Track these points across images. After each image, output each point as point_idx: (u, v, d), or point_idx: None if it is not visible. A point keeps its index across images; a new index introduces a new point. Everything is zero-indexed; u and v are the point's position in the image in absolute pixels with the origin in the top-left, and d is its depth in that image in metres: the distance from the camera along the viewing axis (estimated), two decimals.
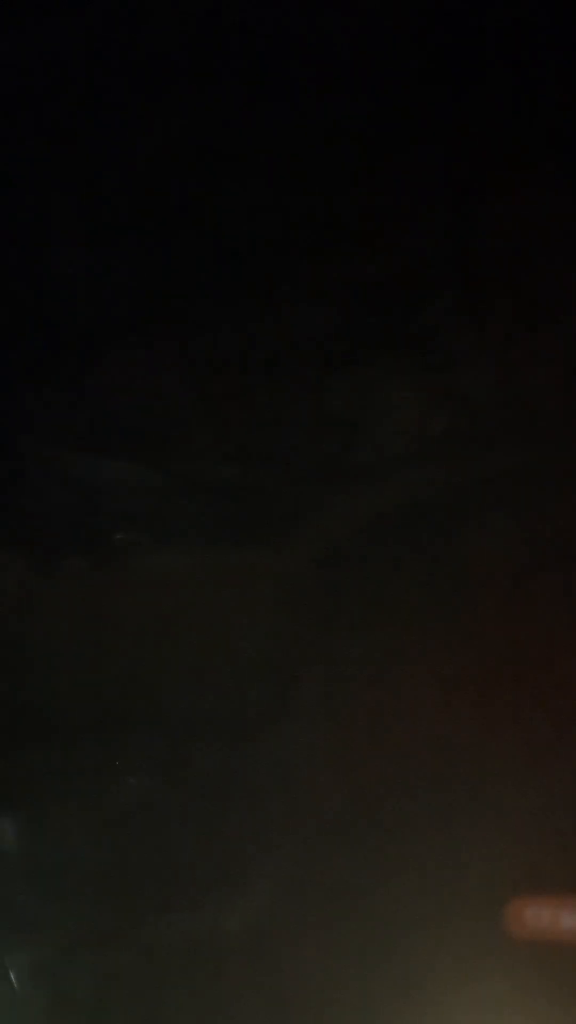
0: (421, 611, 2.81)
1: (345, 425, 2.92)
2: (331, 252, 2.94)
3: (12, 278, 2.93)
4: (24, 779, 2.81)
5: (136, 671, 2.83)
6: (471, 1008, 2.63)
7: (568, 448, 2.87)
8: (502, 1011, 2.63)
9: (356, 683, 2.78)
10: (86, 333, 2.93)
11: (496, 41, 2.91)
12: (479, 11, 2.90)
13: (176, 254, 2.94)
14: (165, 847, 2.77)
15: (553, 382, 2.91)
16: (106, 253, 2.94)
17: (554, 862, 2.67)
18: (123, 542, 2.89)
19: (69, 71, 2.91)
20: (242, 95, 2.93)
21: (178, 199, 2.95)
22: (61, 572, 2.88)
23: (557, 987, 2.62)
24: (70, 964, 2.73)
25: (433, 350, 2.94)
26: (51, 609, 2.87)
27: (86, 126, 2.93)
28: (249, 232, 2.93)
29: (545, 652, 2.75)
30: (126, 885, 2.76)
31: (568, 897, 2.65)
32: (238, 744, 2.79)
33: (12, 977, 2.72)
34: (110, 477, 2.91)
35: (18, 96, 2.92)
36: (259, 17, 2.90)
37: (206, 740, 2.79)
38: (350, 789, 2.75)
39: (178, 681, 2.82)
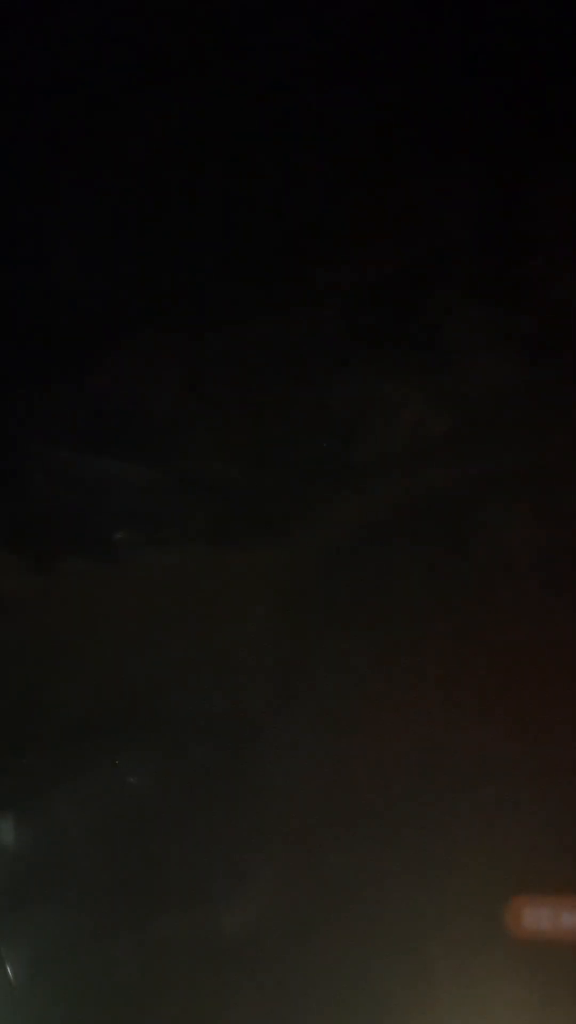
0: (422, 610, 2.81)
1: (345, 425, 2.92)
2: (331, 252, 2.94)
3: (12, 278, 2.94)
4: (24, 779, 2.80)
5: (136, 671, 2.83)
6: (471, 1008, 2.63)
7: (569, 448, 2.87)
8: (502, 1011, 2.62)
9: (357, 682, 2.78)
10: (85, 333, 2.93)
11: (494, 44, 2.91)
12: (480, 11, 2.90)
13: (176, 254, 2.94)
14: (165, 847, 2.77)
15: (554, 382, 2.91)
16: (106, 253, 2.94)
17: (554, 862, 2.67)
18: (122, 541, 2.89)
19: (69, 71, 2.91)
20: (243, 96, 2.93)
21: (178, 199, 2.95)
22: (61, 572, 2.88)
23: (557, 987, 2.62)
24: (69, 963, 2.73)
25: (433, 350, 2.94)
26: (51, 609, 2.87)
27: (87, 126, 2.93)
28: (249, 232, 2.94)
29: (546, 650, 2.75)
30: (126, 885, 2.76)
31: (568, 897, 2.64)
32: (238, 744, 2.78)
33: (11, 975, 2.72)
34: (110, 476, 2.91)
35: (19, 96, 2.92)
36: (261, 16, 2.90)
37: (206, 740, 2.79)
38: (351, 788, 2.75)
39: (178, 681, 2.82)
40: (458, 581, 2.83)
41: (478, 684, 2.76)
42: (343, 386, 2.92)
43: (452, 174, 2.93)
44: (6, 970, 2.72)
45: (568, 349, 2.90)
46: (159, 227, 2.94)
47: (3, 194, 2.90)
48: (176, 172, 2.95)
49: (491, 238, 2.94)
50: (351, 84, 2.94)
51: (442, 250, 2.94)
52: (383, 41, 2.93)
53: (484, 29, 2.90)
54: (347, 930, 2.68)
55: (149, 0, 2.91)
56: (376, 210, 2.94)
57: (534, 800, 2.69)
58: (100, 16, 2.91)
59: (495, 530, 2.85)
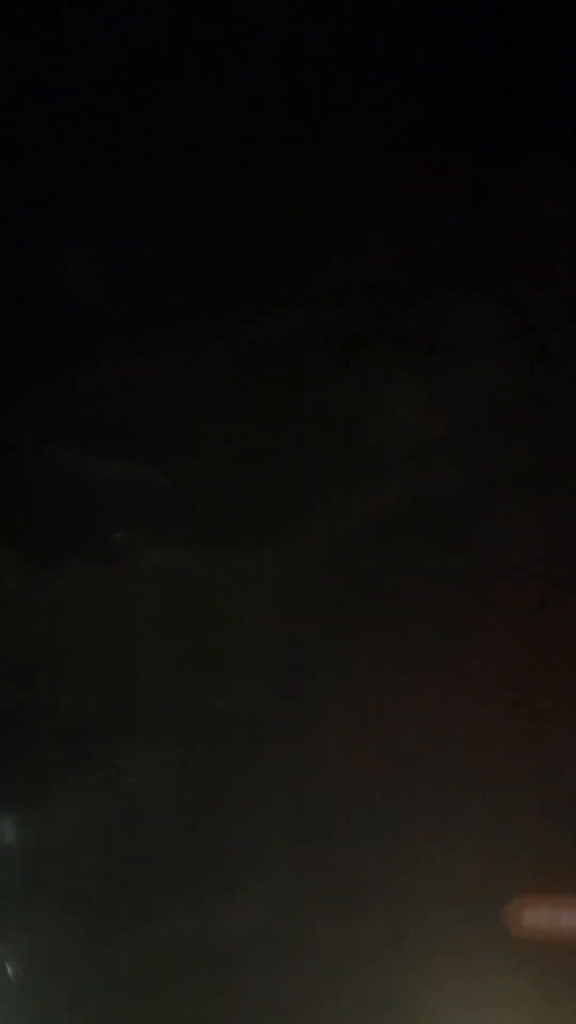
0: (422, 610, 2.81)
1: (345, 425, 2.92)
2: (330, 252, 2.94)
3: (12, 278, 2.93)
4: (24, 779, 2.80)
5: (136, 671, 2.83)
6: (471, 1008, 2.63)
7: (569, 448, 2.87)
8: (502, 1011, 2.62)
9: (357, 681, 2.78)
10: (86, 333, 2.93)
11: (494, 44, 2.91)
12: (480, 11, 2.90)
13: (176, 254, 2.94)
14: (165, 847, 2.77)
15: (554, 382, 2.91)
16: (106, 253, 2.94)
17: (554, 862, 2.67)
18: (123, 542, 2.89)
19: (70, 71, 2.91)
20: (243, 96, 2.93)
21: (178, 200, 2.95)
22: (61, 572, 2.88)
23: (557, 987, 2.62)
24: (70, 962, 2.73)
25: (434, 350, 2.94)
26: (51, 609, 2.87)
27: (87, 127, 2.93)
28: (249, 232, 2.93)
29: (547, 650, 2.75)
30: (126, 884, 2.76)
31: (568, 897, 2.65)
32: (239, 744, 2.78)
33: (11, 975, 2.72)
34: (110, 477, 2.91)
35: (19, 96, 2.92)
36: (261, 16, 2.90)
37: (206, 739, 2.79)
38: (351, 788, 2.75)
39: (178, 681, 2.82)
40: (458, 581, 2.83)
41: (479, 683, 2.76)
42: (343, 386, 2.92)
43: (452, 174, 2.93)
44: (6, 970, 2.72)
45: (568, 349, 2.90)
46: (159, 227, 2.94)
47: (4, 194, 2.90)
48: (176, 172, 2.95)
49: (491, 238, 2.94)
50: (351, 84, 2.93)
51: (442, 250, 2.93)
52: (383, 40, 2.93)
53: (484, 29, 2.90)
54: (348, 930, 2.69)
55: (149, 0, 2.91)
56: (376, 210, 2.94)
57: (536, 800, 2.69)
58: (101, 15, 2.91)
59: (495, 530, 2.85)
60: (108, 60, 2.91)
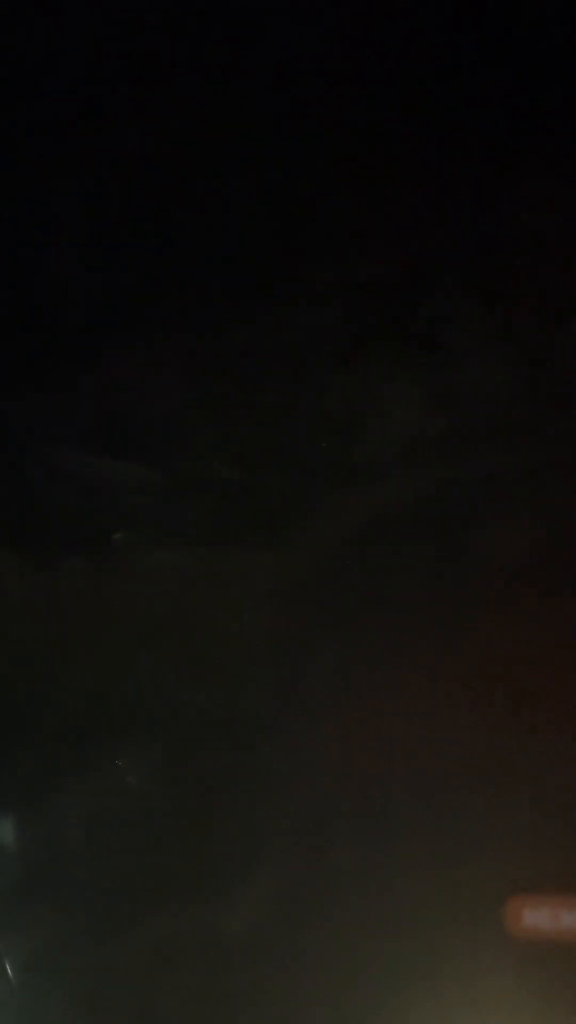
0: (422, 611, 2.81)
1: (345, 425, 2.92)
2: (331, 251, 2.94)
3: (12, 278, 2.93)
4: (24, 779, 2.80)
5: (136, 671, 2.83)
6: (471, 1008, 2.63)
7: (569, 448, 2.87)
8: (502, 1011, 2.63)
9: (357, 683, 2.78)
10: (86, 333, 2.92)
11: (495, 42, 2.91)
12: (481, 9, 2.90)
13: (176, 254, 2.94)
14: (166, 847, 2.77)
15: (555, 381, 2.91)
16: (106, 253, 2.94)
17: (554, 862, 2.67)
18: (123, 542, 2.89)
19: (68, 68, 2.91)
20: (241, 92, 2.93)
21: (177, 198, 2.94)
22: (61, 572, 2.88)
23: (557, 987, 2.62)
24: (69, 963, 2.73)
25: (434, 349, 2.94)
26: (51, 609, 2.87)
27: (85, 124, 2.93)
28: (249, 232, 2.93)
29: (546, 652, 2.75)
30: (125, 886, 2.76)
31: (568, 897, 2.65)
32: (238, 744, 2.78)
33: (10, 975, 2.72)
34: (110, 477, 2.91)
35: (17, 94, 2.91)
36: (260, 14, 2.90)
37: (206, 740, 2.79)
38: (351, 789, 2.75)
39: (178, 681, 2.82)
40: (458, 581, 2.83)
41: (479, 684, 2.76)
42: (343, 386, 2.92)
43: (453, 172, 2.92)
44: (6, 970, 2.72)
45: (569, 349, 2.90)
46: (158, 226, 2.94)
47: (3, 195, 2.90)
48: (175, 171, 2.95)
49: (491, 237, 2.94)
50: (351, 81, 2.93)
51: (442, 250, 2.93)
52: (383, 38, 2.92)
53: (485, 27, 2.90)
54: (349, 930, 2.69)
55: None
56: (376, 208, 2.93)
57: (535, 799, 2.69)
58: (99, 14, 2.91)
59: (495, 530, 2.85)
60: (108, 59, 2.91)
